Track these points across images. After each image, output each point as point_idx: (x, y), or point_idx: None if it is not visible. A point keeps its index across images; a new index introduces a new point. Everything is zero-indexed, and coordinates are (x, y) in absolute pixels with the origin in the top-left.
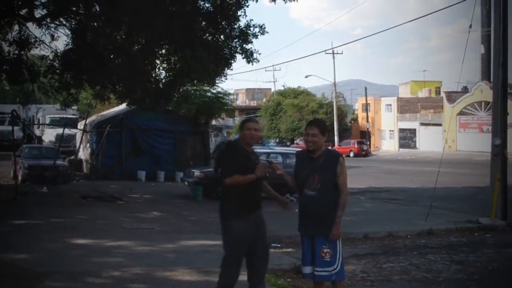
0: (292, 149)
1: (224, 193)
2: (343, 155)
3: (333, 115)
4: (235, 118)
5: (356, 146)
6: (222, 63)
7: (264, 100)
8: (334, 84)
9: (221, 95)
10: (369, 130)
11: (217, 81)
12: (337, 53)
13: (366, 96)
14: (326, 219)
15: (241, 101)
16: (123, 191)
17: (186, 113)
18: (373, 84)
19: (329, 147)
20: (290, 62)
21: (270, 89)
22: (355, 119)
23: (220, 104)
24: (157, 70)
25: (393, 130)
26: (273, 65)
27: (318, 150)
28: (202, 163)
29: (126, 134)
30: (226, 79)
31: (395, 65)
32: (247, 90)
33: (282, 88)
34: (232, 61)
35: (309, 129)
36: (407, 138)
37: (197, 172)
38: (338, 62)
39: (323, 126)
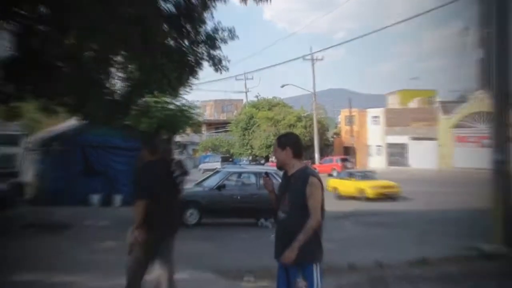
0: (267, 168)
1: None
2: (320, 174)
3: (313, 129)
4: (202, 133)
5: (339, 163)
6: (187, 72)
7: (234, 113)
8: (314, 94)
9: (186, 108)
10: (354, 145)
11: (181, 92)
12: (317, 59)
13: (350, 107)
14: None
15: (209, 114)
16: (73, 218)
17: (146, 129)
18: (358, 93)
19: (308, 166)
20: (264, 69)
21: (242, 100)
22: (338, 134)
23: (185, 118)
24: (112, 80)
25: (381, 146)
26: (244, 73)
27: (290, 167)
28: None
29: (77, 153)
30: (192, 89)
31: (382, 72)
32: (216, 102)
33: (255, 99)
34: (198, 69)
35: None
36: (396, 154)
37: None
38: (318, 70)
39: (281, 140)
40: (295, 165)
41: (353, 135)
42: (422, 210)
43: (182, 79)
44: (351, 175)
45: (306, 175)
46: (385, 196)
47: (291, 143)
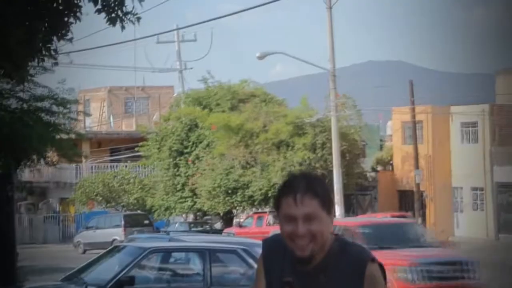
0: (232, 241)
1: None
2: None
3: (329, 154)
4: (83, 161)
5: None
6: (45, 25)
7: (154, 116)
8: (333, 72)
9: (46, 106)
10: (422, 188)
11: (33, 71)
12: None
13: (413, 102)
14: None
15: (98, 119)
16: None
17: None
18: (428, 70)
19: (344, 238)
20: (221, 19)
21: (171, 88)
22: (387, 162)
23: (43, 128)
24: None
25: (481, 189)
26: (177, 28)
27: (321, 250)
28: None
29: None
30: (56, 63)
31: (484, 26)
32: (112, 92)
33: (201, 86)
34: (71, 20)
35: (294, 203)
36: None
37: None
38: (341, 23)
39: (319, 191)
40: (328, 241)
41: (418, 165)
42: None
43: (34, 39)
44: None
45: (355, 260)
46: None
47: (331, 198)
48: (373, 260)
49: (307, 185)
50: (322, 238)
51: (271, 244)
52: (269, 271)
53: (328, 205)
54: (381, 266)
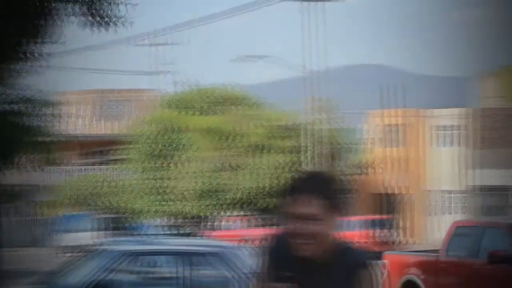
0: (210, 244)
1: None
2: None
3: (307, 157)
4: (60, 165)
5: (364, 231)
6: (36, 17)
7: (133, 119)
8: (314, 76)
9: (29, 108)
10: (399, 190)
11: (15, 73)
12: None
13: (392, 105)
14: None
15: (76, 121)
16: None
17: None
18: (408, 74)
19: (345, 241)
20: (202, 22)
21: (150, 91)
22: (366, 165)
23: (22, 130)
24: None
25: (462, 192)
26: (160, 32)
27: (325, 249)
28: None
29: None
30: (33, 66)
31: (467, 29)
32: (91, 95)
33: (180, 89)
34: (51, 19)
35: (298, 203)
36: (495, 212)
37: None
38: (323, 26)
39: (330, 191)
40: (329, 242)
41: (398, 169)
42: None
43: (5, 42)
44: None
45: (352, 262)
46: None
47: (339, 199)
48: (369, 264)
49: (314, 185)
50: (324, 239)
51: (276, 239)
52: (272, 265)
53: (334, 206)
54: (375, 271)
